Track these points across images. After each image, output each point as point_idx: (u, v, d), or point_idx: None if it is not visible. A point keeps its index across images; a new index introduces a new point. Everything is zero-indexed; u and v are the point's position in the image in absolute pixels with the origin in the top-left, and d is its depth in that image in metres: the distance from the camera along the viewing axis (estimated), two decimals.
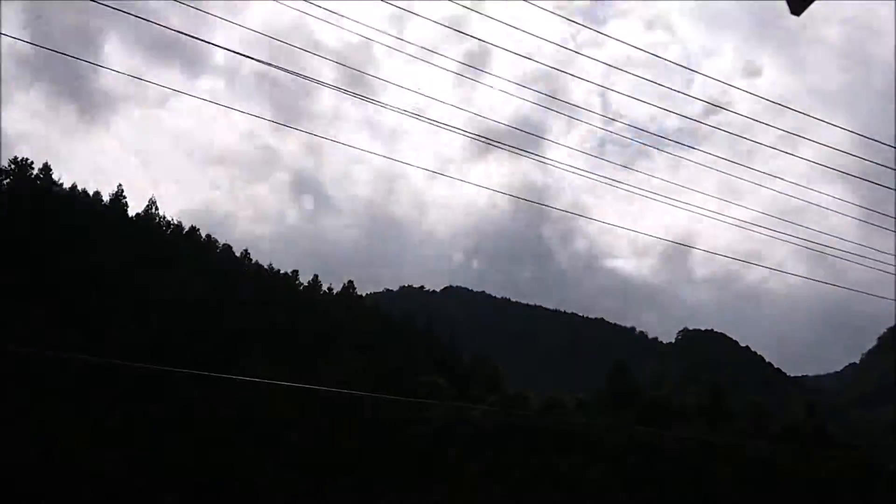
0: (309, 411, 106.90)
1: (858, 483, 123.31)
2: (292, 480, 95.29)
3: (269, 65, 16.44)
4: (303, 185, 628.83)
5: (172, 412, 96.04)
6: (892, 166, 19.10)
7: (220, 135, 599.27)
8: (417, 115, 17.62)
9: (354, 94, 16.64)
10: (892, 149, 19.15)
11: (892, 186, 19.56)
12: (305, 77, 16.74)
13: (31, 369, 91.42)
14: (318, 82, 17.14)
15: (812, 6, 11.04)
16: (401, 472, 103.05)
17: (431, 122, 17.31)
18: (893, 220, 20.09)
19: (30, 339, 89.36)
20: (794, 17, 11.07)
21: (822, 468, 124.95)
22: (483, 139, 18.69)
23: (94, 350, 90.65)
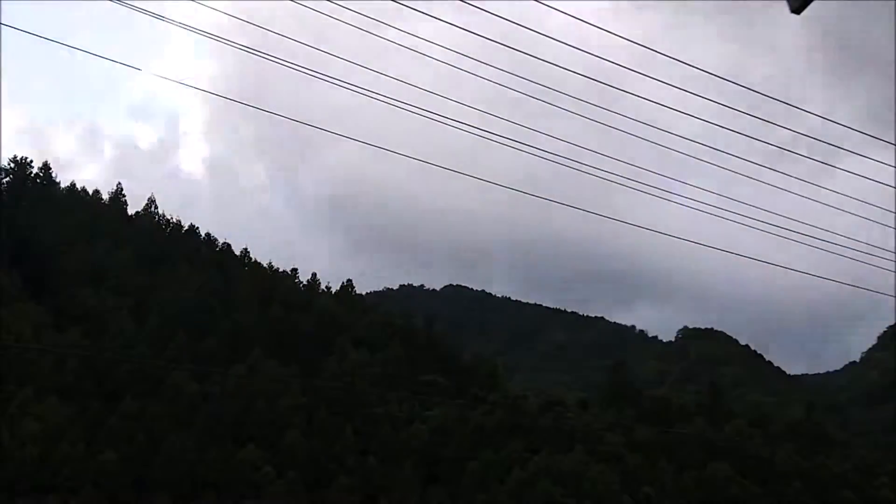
0: (309, 409, 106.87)
1: (858, 482, 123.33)
2: (292, 479, 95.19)
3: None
4: None
5: (173, 409, 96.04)
6: (892, 164, 19.16)
7: None
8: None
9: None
10: (893, 146, 19.19)
11: (892, 184, 19.61)
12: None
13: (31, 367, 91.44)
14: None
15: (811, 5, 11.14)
16: (401, 472, 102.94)
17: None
18: (893, 215, 20.12)
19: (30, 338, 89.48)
20: None
21: (822, 467, 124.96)
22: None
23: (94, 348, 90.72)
